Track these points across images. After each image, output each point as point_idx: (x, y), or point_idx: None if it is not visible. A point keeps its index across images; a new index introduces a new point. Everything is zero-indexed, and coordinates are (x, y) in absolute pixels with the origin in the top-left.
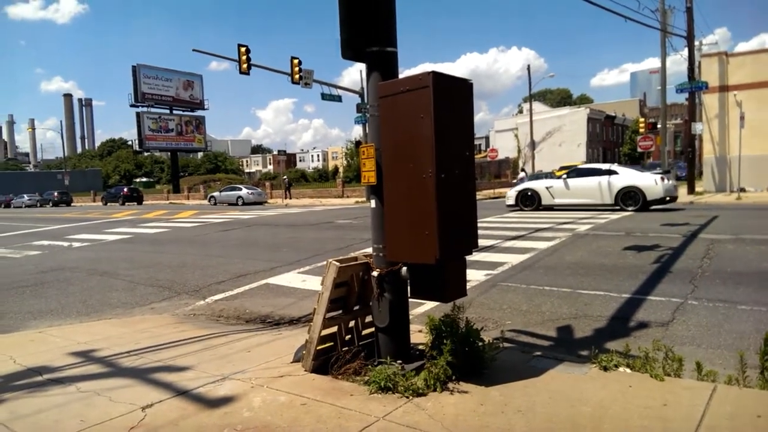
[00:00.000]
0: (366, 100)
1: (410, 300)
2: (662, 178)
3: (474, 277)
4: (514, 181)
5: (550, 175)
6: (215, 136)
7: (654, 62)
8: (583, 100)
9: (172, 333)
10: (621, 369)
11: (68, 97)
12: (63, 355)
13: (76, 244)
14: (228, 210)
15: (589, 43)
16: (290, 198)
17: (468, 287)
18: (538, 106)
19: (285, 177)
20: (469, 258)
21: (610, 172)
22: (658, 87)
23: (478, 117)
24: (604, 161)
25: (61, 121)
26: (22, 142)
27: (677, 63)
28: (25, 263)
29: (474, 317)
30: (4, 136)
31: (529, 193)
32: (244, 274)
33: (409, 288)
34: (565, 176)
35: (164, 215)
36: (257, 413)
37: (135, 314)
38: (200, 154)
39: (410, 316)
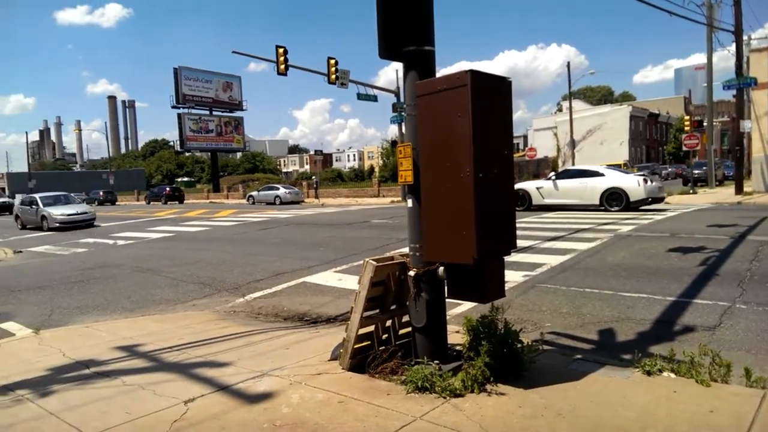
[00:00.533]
0: (401, 100)
1: (447, 300)
2: (645, 180)
3: (512, 278)
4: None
5: None
6: (253, 137)
7: (700, 58)
8: (625, 97)
9: (214, 329)
10: (665, 374)
11: (112, 99)
12: (109, 350)
13: (120, 242)
14: (266, 209)
15: (631, 39)
16: (317, 197)
17: (506, 288)
18: (578, 104)
19: (313, 177)
20: (507, 259)
21: (596, 174)
22: (703, 84)
23: (517, 115)
24: (648, 160)
25: (105, 123)
26: (69, 143)
27: (724, 59)
28: (72, 260)
29: (512, 319)
30: (53, 138)
31: (521, 193)
32: (282, 272)
33: (446, 288)
34: (554, 177)
35: (205, 214)
36: (296, 410)
37: (177, 310)
38: (239, 154)
39: (447, 317)
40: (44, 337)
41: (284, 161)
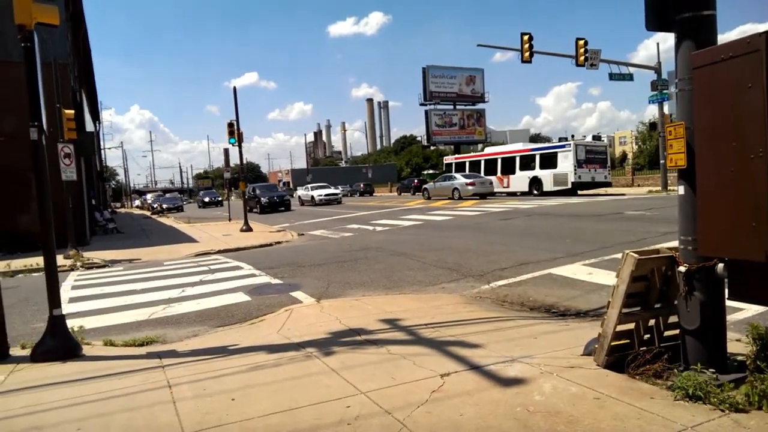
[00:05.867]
0: (663, 77)
1: (727, 303)
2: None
3: None
4: None
5: None
6: (495, 128)
7: None
8: None
9: (462, 312)
10: None
11: (370, 101)
12: (374, 321)
13: (378, 228)
14: (507, 199)
15: None
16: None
17: None
18: None
19: None
20: None
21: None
22: None
23: None
24: None
25: (364, 123)
26: (336, 142)
27: None
28: (341, 243)
29: None
30: (324, 138)
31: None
32: (526, 262)
33: (726, 288)
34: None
35: (448, 204)
36: (548, 399)
37: (428, 292)
38: (480, 146)
39: (726, 321)
40: (324, 306)
41: None
